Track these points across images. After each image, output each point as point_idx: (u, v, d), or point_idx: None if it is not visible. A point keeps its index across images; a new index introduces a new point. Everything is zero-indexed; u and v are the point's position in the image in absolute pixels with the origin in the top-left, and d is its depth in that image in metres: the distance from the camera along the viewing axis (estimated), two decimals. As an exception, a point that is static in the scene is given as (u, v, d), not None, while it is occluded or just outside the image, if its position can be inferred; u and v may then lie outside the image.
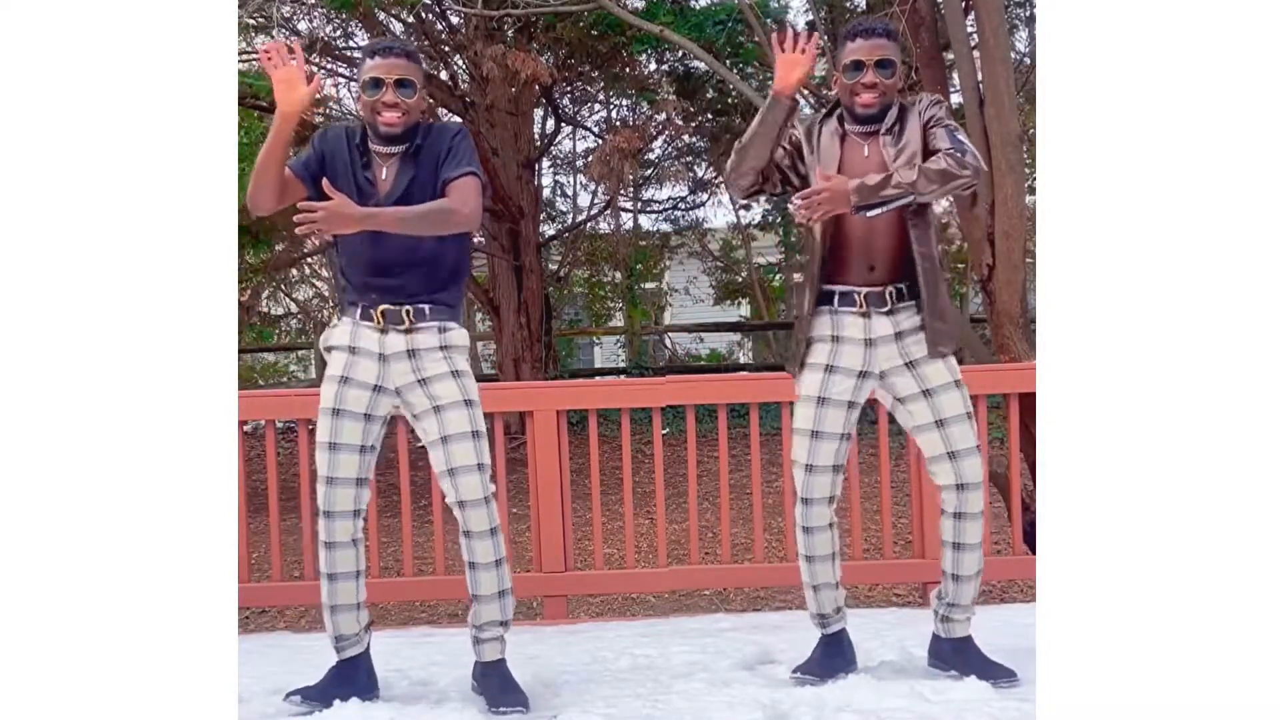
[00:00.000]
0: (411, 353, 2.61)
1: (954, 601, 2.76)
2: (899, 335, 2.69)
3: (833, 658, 2.82)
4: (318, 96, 8.48)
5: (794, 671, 2.79)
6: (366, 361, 2.63)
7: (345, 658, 2.71)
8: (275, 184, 2.55)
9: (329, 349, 2.68)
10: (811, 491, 2.72)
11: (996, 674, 2.69)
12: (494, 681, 2.67)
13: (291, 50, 2.55)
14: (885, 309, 2.69)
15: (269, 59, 2.52)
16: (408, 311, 2.60)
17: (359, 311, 2.63)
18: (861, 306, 2.69)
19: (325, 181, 2.42)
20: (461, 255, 2.71)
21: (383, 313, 2.61)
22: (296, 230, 2.43)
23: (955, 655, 2.77)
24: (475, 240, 10.13)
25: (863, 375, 2.72)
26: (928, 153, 2.63)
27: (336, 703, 2.61)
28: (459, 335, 2.67)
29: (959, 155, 2.56)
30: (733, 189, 2.81)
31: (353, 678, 2.70)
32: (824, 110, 2.82)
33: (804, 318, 2.78)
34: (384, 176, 2.62)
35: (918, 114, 2.69)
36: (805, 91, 9.50)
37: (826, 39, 8.69)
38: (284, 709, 2.64)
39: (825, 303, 2.73)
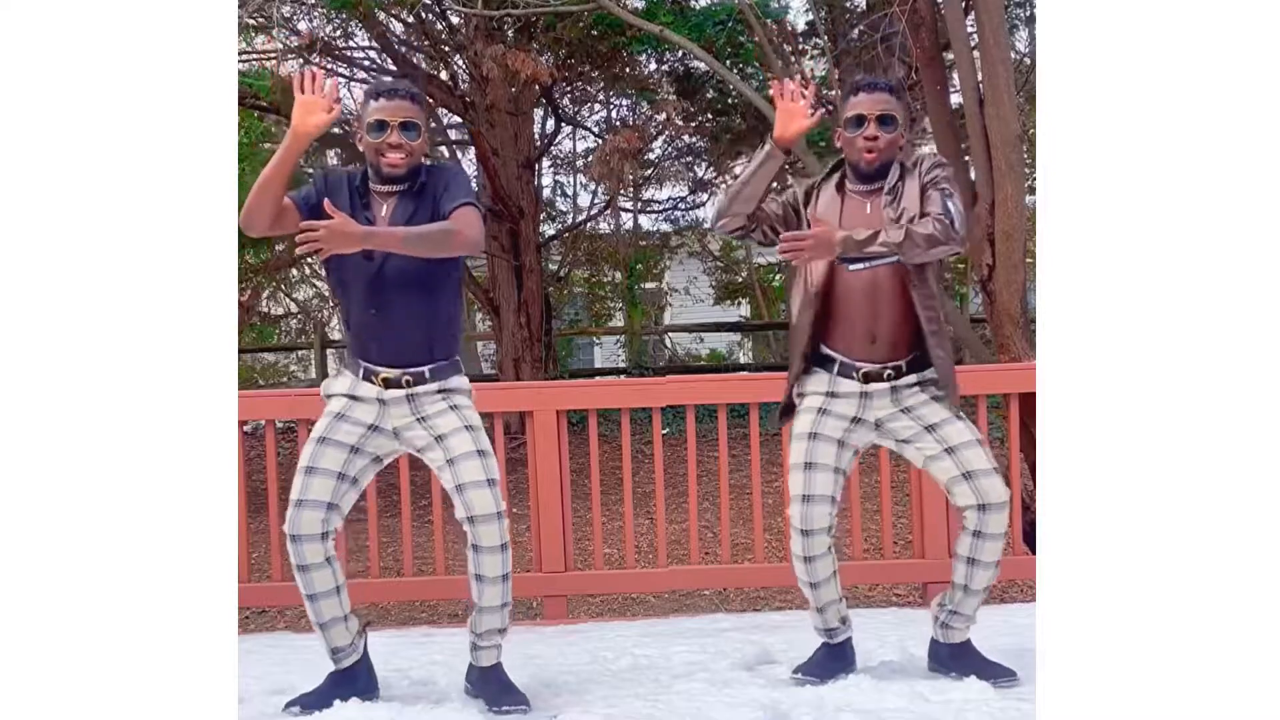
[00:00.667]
0: (410, 398, 2.62)
1: (957, 610, 2.75)
2: (894, 390, 2.69)
3: (835, 660, 2.82)
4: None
5: (795, 671, 2.79)
6: (365, 405, 2.64)
7: (343, 668, 2.71)
8: (275, 203, 2.53)
9: (329, 396, 2.69)
10: (810, 523, 2.70)
11: (996, 674, 2.69)
12: (493, 684, 2.67)
13: (317, 77, 2.54)
14: (882, 383, 2.69)
15: (299, 83, 2.52)
16: (408, 380, 2.61)
17: (360, 371, 2.64)
18: (859, 381, 2.69)
19: (326, 201, 2.41)
20: (455, 310, 2.72)
21: (384, 380, 2.61)
22: (297, 250, 2.42)
23: (954, 660, 2.77)
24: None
25: (856, 421, 2.72)
26: (922, 213, 2.63)
27: (336, 702, 2.61)
28: (459, 381, 2.68)
29: (947, 223, 2.56)
30: (719, 229, 2.82)
31: (352, 682, 2.70)
32: (825, 170, 2.83)
33: (793, 376, 2.78)
34: (383, 214, 2.62)
35: (919, 174, 2.69)
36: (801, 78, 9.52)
37: (827, 38, 8.69)
38: (282, 712, 2.64)
39: (821, 365, 2.73)
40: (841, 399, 2.71)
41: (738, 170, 2.96)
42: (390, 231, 2.51)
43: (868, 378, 2.68)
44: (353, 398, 2.64)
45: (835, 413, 2.71)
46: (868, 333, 2.68)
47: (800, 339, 2.75)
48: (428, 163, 2.71)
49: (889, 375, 2.68)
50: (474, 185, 2.75)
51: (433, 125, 2.61)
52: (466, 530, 2.60)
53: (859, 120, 2.66)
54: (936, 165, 2.71)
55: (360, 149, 2.69)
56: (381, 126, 2.58)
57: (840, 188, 2.74)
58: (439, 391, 2.63)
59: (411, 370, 2.61)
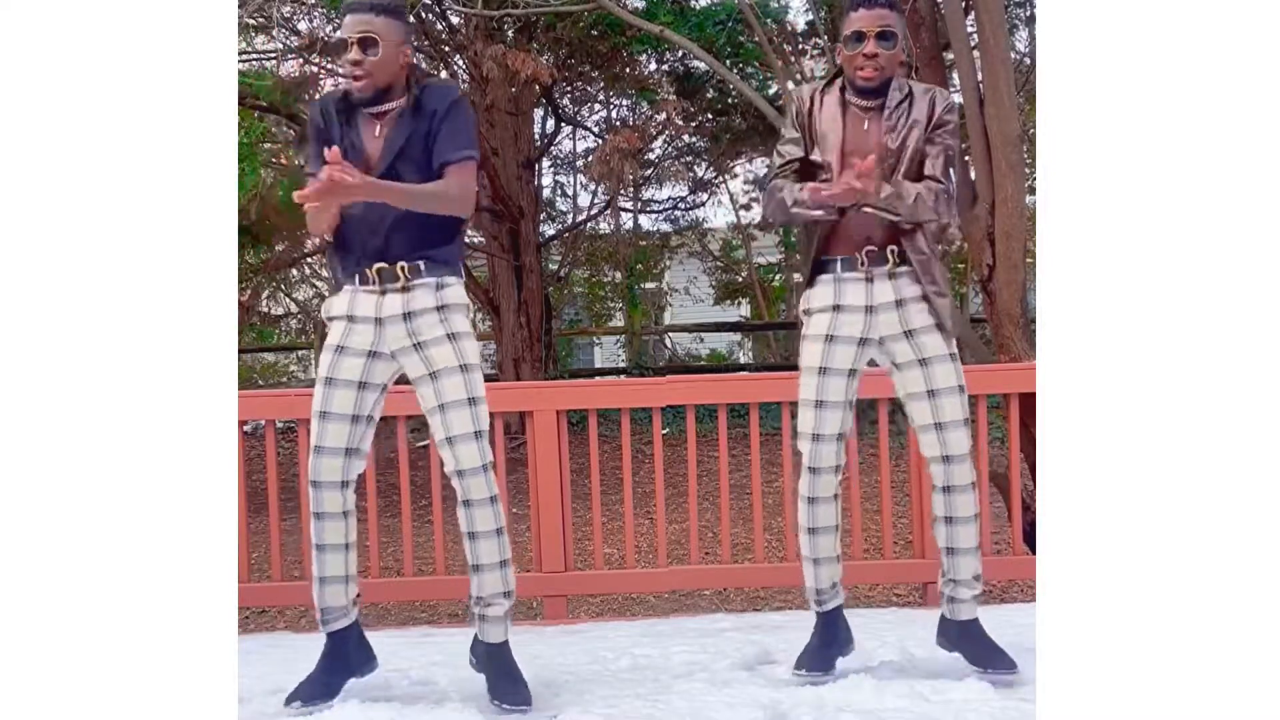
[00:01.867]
0: (408, 315, 2.56)
1: (954, 577, 2.75)
2: (900, 303, 2.70)
3: (829, 644, 2.81)
4: (297, 83, 8.43)
5: (795, 668, 2.78)
6: (362, 327, 2.58)
7: (333, 630, 2.65)
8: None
9: (329, 318, 2.64)
10: (819, 460, 2.72)
11: (997, 662, 2.68)
12: (497, 668, 2.63)
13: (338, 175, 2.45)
14: (887, 267, 2.69)
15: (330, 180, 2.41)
16: (402, 268, 2.55)
17: (356, 276, 2.58)
18: (864, 265, 2.70)
19: (329, 150, 2.35)
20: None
21: (378, 271, 2.55)
22: (306, 210, 2.38)
23: (961, 638, 2.76)
24: (476, 240, 10.16)
25: (863, 342, 2.72)
26: (919, 158, 2.67)
27: (336, 703, 2.61)
28: (456, 292, 2.62)
29: (944, 193, 2.64)
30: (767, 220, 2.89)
31: (343, 651, 2.65)
32: (824, 79, 2.83)
33: (804, 291, 2.80)
34: (375, 136, 2.56)
35: (928, 104, 2.69)
36: (801, 78, 9.52)
37: (826, 39, 8.69)
38: (283, 708, 2.64)
39: (825, 271, 2.74)
40: (847, 313, 2.71)
41: (774, 178, 2.93)
42: (389, 186, 2.46)
43: (870, 257, 2.69)
44: (350, 319, 2.59)
45: (843, 336, 2.71)
46: (864, 237, 2.70)
47: (808, 259, 2.78)
48: (423, 83, 2.60)
49: (893, 254, 2.69)
50: (472, 119, 2.69)
51: (413, 42, 2.55)
52: (455, 484, 2.57)
53: (859, 36, 2.65)
54: (949, 110, 2.72)
55: (318, 69, 2.67)
56: (344, 44, 2.51)
57: (840, 101, 2.74)
58: (436, 309, 2.57)
59: (406, 259, 2.55)
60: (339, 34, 2.56)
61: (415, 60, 2.64)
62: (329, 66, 8.16)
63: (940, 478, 2.72)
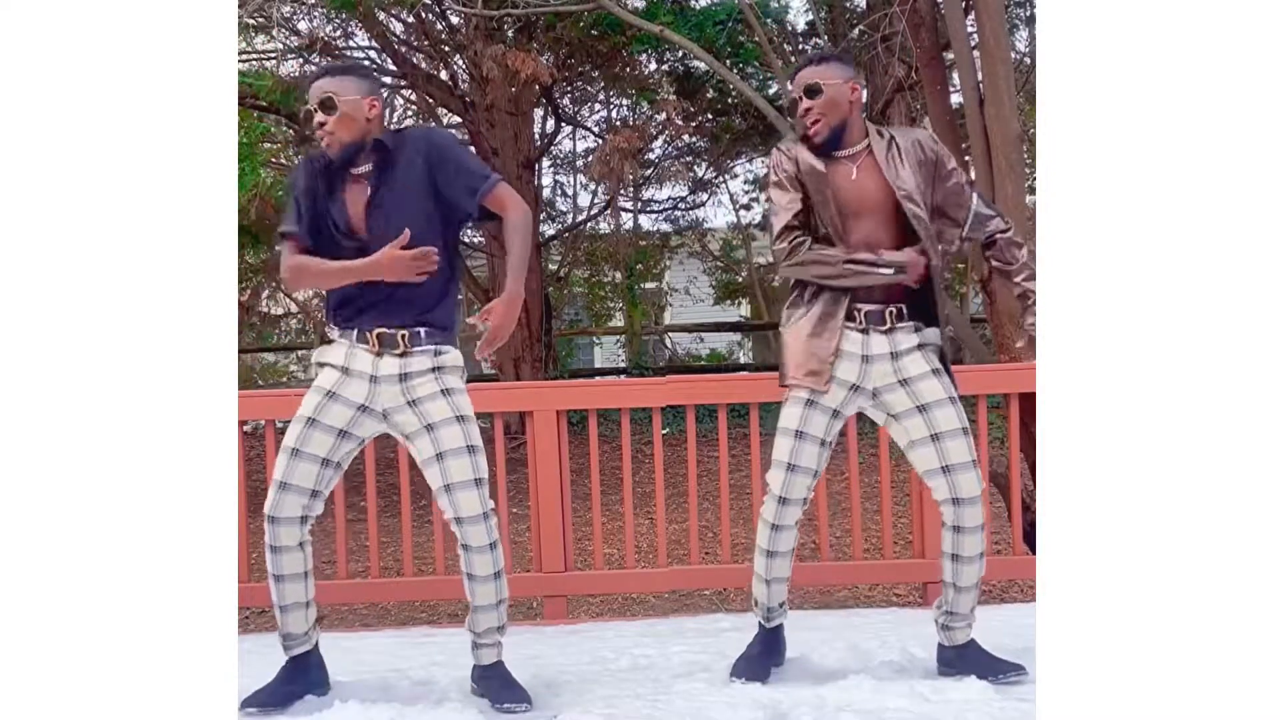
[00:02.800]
0: (404, 376, 2.59)
1: (952, 610, 2.77)
2: (895, 355, 2.72)
3: (768, 654, 2.86)
4: (297, 83, 8.42)
5: (733, 675, 2.79)
6: (357, 383, 2.60)
7: (294, 655, 2.69)
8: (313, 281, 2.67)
9: (321, 364, 2.66)
10: (790, 491, 2.73)
11: (1004, 670, 2.70)
12: (495, 681, 2.68)
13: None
14: (884, 328, 2.72)
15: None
16: (403, 336, 2.59)
17: (354, 333, 2.61)
18: (860, 323, 2.72)
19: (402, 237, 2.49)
20: (451, 272, 2.68)
21: (378, 336, 2.59)
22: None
23: (961, 660, 2.78)
24: (476, 240, 10.14)
25: (855, 389, 2.73)
26: (955, 207, 2.77)
27: (336, 703, 2.61)
28: (453, 357, 2.66)
29: (1010, 226, 2.85)
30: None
31: (305, 674, 2.69)
32: (790, 143, 2.84)
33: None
34: (359, 197, 2.58)
35: (915, 148, 2.74)
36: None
37: (826, 39, 8.69)
38: (239, 710, 2.63)
39: None
40: (844, 360, 2.71)
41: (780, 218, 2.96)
42: (519, 278, 2.58)
43: (869, 317, 2.71)
44: (345, 371, 2.60)
45: (836, 378, 2.72)
46: (864, 295, 2.71)
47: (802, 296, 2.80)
48: (390, 133, 2.62)
49: (891, 315, 2.71)
50: (468, 150, 2.74)
51: (382, 91, 2.59)
52: (454, 530, 2.60)
53: (794, 102, 2.77)
54: (935, 142, 2.80)
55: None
56: (309, 115, 2.58)
57: (815, 161, 2.75)
58: (432, 370, 2.60)
59: (406, 327, 2.59)
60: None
61: (385, 111, 2.70)
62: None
63: (950, 518, 2.72)
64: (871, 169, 2.72)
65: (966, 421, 2.72)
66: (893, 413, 2.74)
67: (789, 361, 2.75)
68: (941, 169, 2.76)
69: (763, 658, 2.85)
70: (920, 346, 2.73)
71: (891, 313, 2.71)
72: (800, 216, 2.74)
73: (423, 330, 2.60)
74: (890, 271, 2.65)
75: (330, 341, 2.67)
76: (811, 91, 2.72)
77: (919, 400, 2.70)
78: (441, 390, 2.61)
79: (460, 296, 2.71)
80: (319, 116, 2.55)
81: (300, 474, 2.58)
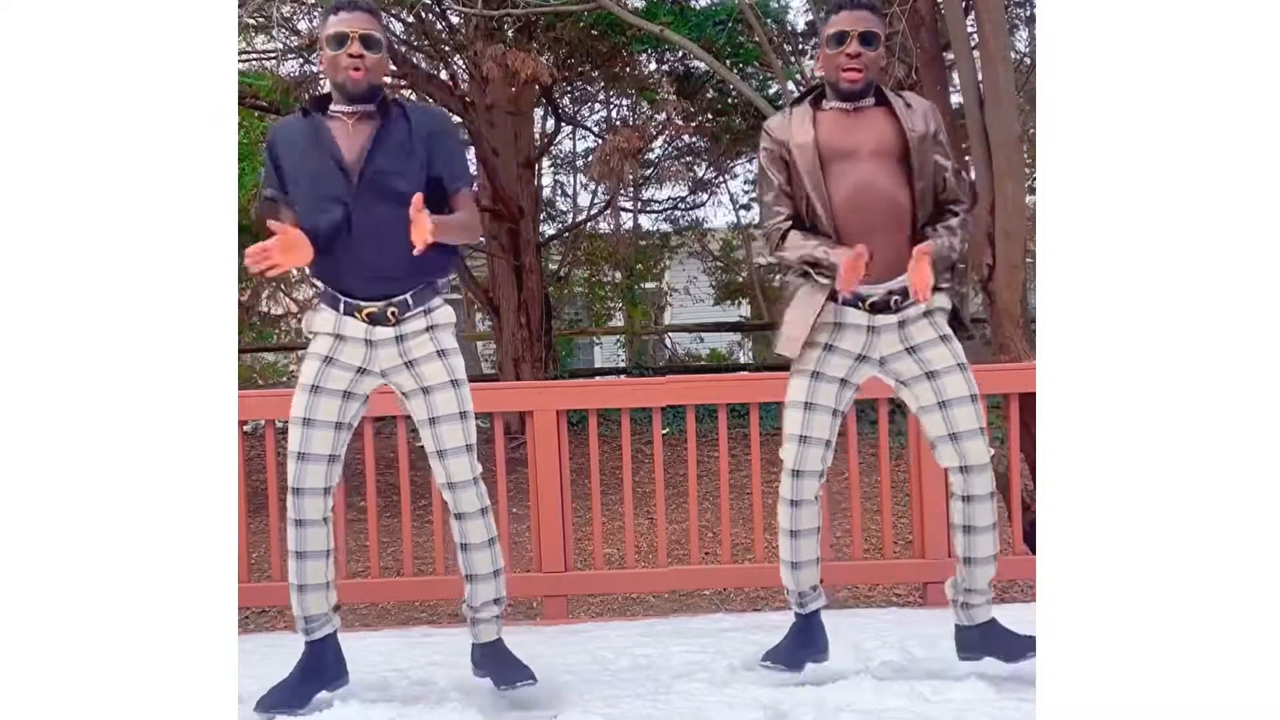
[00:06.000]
0: (399, 338, 2.59)
1: (970, 586, 2.70)
2: (902, 324, 2.66)
3: (804, 646, 2.78)
4: (297, 83, 8.43)
5: (763, 659, 2.76)
6: (352, 346, 2.60)
7: (315, 639, 2.66)
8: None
9: (312, 332, 2.65)
10: (804, 464, 2.67)
11: (1026, 647, 2.65)
12: (496, 660, 2.67)
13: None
14: (891, 312, 2.65)
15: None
16: (392, 312, 2.58)
17: (341, 306, 2.59)
18: (865, 312, 2.65)
19: (274, 224, 2.45)
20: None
21: (368, 315, 2.58)
22: (247, 264, 2.45)
23: (983, 640, 2.72)
24: (476, 239, 10.12)
25: (861, 359, 2.68)
26: (925, 168, 2.64)
27: (337, 703, 2.61)
28: (444, 313, 2.65)
29: (966, 203, 2.69)
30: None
31: (322, 663, 2.66)
32: (791, 102, 2.77)
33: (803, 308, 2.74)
34: (349, 133, 2.57)
35: (923, 114, 2.66)
36: (801, 77, 9.50)
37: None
38: (253, 713, 2.62)
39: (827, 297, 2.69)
40: (849, 331, 2.67)
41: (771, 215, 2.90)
42: (450, 223, 2.51)
43: (874, 308, 2.65)
44: (338, 337, 2.60)
45: (841, 349, 2.67)
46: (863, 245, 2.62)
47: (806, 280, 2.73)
48: (401, 97, 2.68)
49: (896, 303, 2.64)
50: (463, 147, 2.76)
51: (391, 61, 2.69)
52: (446, 497, 2.62)
53: (841, 37, 2.61)
54: (933, 110, 2.71)
55: (320, 69, 2.68)
56: (341, 40, 2.54)
57: (814, 114, 2.69)
58: (426, 329, 2.61)
59: (395, 300, 2.58)
60: (329, 29, 2.57)
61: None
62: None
63: (959, 487, 2.67)
64: (880, 116, 2.64)
65: (975, 388, 2.66)
66: (901, 379, 2.70)
67: (781, 331, 2.73)
68: (932, 140, 2.65)
69: (798, 649, 2.77)
70: (928, 314, 2.66)
71: (896, 300, 2.63)
72: (784, 201, 2.69)
73: (410, 297, 2.59)
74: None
75: (318, 310, 2.66)
76: (870, 40, 2.61)
77: (927, 367, 2.65)
78: (437, 351, 2.61)
79: (460, 296, 2.70)
80: (358, 48, 2.53)
81: (317, 441, 2.60)
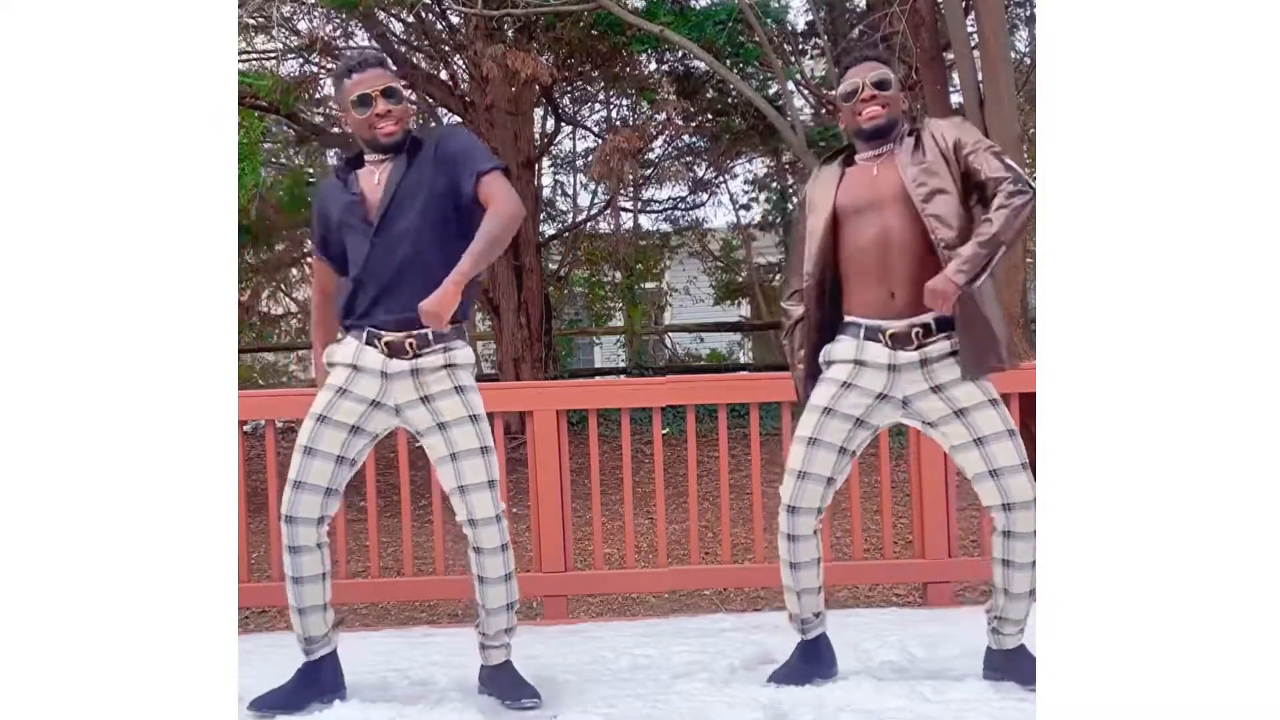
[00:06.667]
0: (415, 372, 2.59)
1: (1003, 616, 2.67)
2: (925, 362, 2.60)
3: (811, 663, 2.79)
4: (318, 95, 8.45)
5: (769, 679, 2.77)
6: (368, 378, 2.60)
7: (314, 659, 2.70)
8: (328, 319, 2.82)
9: (331, 364, 2.66)
10: (799, 500, 2.66)
11: None
12: (505, 681, 2.69)
13: None
14: (913, 347, 2.61)
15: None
16: (411, 343, 2.58)
17: (363, 336, 2.61)
18: (886, 343, 2.62)
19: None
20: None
21: (387, 344, 2.58)
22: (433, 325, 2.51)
23: (1007, 664, 2.71)
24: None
25: (882, 397, 2.64)
26: (971, 177, 2.59)
27: (337, 703, 2.61)
28: (464, 354, 2.64)
29: (1019, 175, 2.53)
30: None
31: (319, 677, 2.69)
32: (823, 160, 2.82)
33: (808, 343, 2.75)
34: (375, 183, 2.62)
35: (937, 136, 2.64)
36: (805, 90, 9.49)
37: (827, 38, 8.69)
38: (246, 710, 2.63)
39: (846, 332, 2.67)
40: (869, 369, 2.63)
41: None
42: (471, 260, 2.49)
43: (895, 339, 2.61)
44: (355, 368, 2.61)
45: (860, 387, 2.64)
46: (886, 290, 2.62)
47: (819, 313, 2.72)
48: (415, 129, 2.72)
49: (917, 335, 2.59)
50: (476, 139, 2.77)
51: (406, 90, 2.74)
52: (467, 532, 2.60)
53: (853, 90, 2.68)
54: (956, 125, 2.70)
55: (349, 131, 2.72)
56: (365, 101, 2.58)
57: (840, 171, 2.72)
58: (444, 366, 2.60)
59: (415, 333, 2.58)
60: (349, 94, 2.60)
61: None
62: (329, 67, 8.16)
63: (1001, 523, 2.59)
64: (892, 165, 2.64)
65: (1012, 423, 2.59)
66: (928, 420, 2.63)
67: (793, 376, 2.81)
68: (961, 150, 2.61)
69: (805, 668, 2.77)
70: (954, 353, 2.59)
71: (918, 332, 2.59)
72: (801, 265, 2.74)
73: (430, 333, 2.59)
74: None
75: (342, 341, 2.69)
76: (882, 84, 2.65)
77: (956, 405, 2.58)
78: (455, 387, 2.61)
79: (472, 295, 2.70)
80: (382, 106, 2.58)
81: (315, 472, 2.59)
